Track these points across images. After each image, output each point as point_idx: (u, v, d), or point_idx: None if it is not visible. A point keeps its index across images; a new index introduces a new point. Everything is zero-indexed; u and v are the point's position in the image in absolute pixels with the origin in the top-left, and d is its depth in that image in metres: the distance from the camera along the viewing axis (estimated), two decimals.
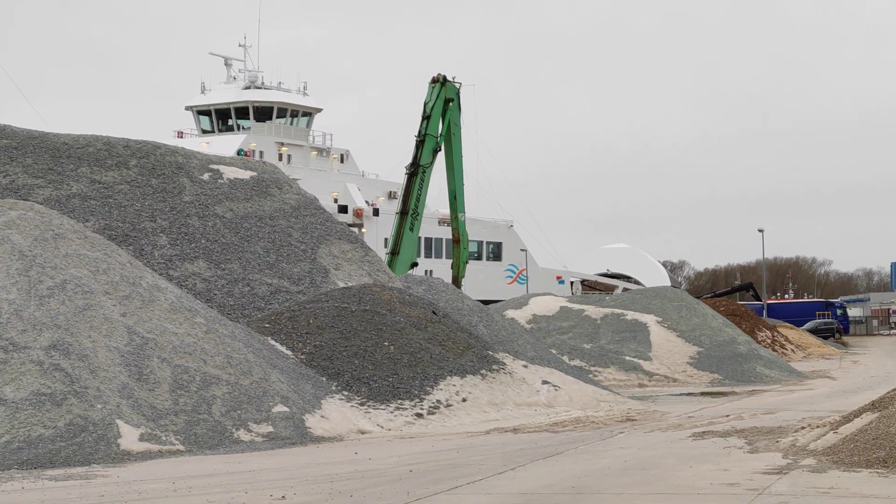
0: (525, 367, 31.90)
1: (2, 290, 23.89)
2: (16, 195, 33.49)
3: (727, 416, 27.99)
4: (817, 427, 20.81)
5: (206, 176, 38.12)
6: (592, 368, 44.70)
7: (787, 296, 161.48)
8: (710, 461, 18.09)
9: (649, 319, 51.38)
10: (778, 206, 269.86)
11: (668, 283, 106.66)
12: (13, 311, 23.28)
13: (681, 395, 39.61)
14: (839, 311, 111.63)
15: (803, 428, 21.63)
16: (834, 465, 16.88)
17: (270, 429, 23.30)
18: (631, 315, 52.08)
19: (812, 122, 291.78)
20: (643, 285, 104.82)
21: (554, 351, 42.55)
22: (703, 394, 40.11)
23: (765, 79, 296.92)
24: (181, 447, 21.46)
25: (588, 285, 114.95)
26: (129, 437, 21.08)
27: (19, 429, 20.50)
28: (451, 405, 27.40)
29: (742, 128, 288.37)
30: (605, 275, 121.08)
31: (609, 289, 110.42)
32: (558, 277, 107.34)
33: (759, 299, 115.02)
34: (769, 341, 67.00)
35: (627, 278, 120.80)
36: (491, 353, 31.18)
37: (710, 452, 19.45)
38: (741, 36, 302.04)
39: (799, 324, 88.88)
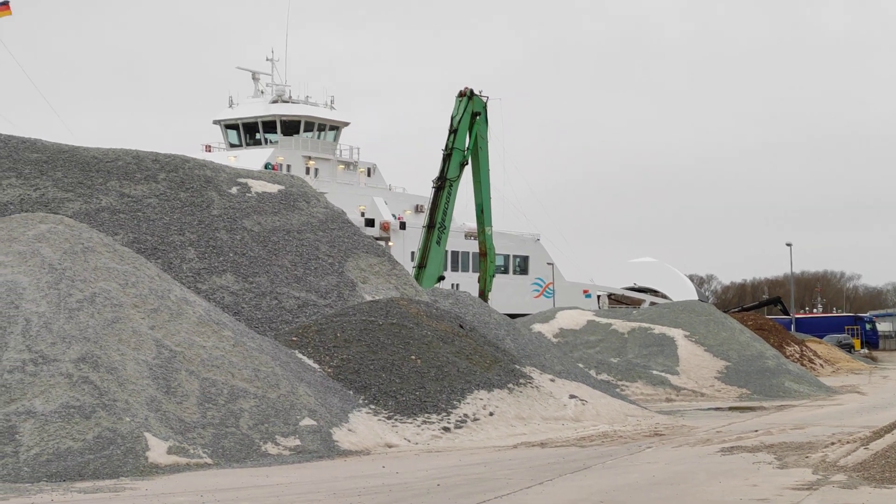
0: (552, 381, 31.82)
1: (32, 302, 24.01)
2: (46, 209, 33.66)
3: (756, 431, 27.83)
4: (847, 443, 20.72)
5: (234, 189, 38.22)
6: (620, 383, 44.54)
7: (815, 310, 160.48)
8: (739, 476, 17.99)
9: (677, 333, 51.18)
10: (806, 219, 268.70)
11: (696, 297, 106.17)
12: (43, 323, 23.38)
13: (709, 409, 39.40)
14: (868, 326, 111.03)
15: (833, 443, 21.53)
16: (865, 481, 16.77)
17: (298, 442, 23.30)
18: (658, 329, 51.87)
19: (840, 136, 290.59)
20: (670, 299, 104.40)
21: (581, 365, 42.39)
22: (731, 408, 39.89)
23: (794, 91, 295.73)
24: (209, 460, 21.49)
25: (615, 299, 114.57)
26: (158, 450, 21.10)
27: (48, 441, 20.58)
28: (478, 419, 27.34)
29: (770, 140, 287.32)
30: (632, 289, 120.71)
31: (636, 303, 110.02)
32: (585, 291, 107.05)
33: (787, 314, 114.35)
34: (798, 356, 66.61)
35: (654, 292, 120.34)
36: (518, 366, 31.12)
37: (740, 468, 19.34)
38: (772, 48, 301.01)
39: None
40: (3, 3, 60.59)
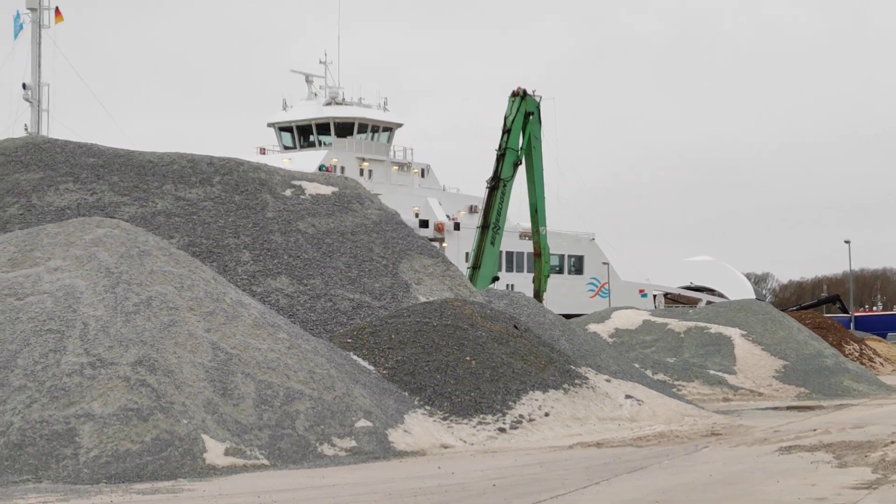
0: (608, 381, 31.71)
1: (89, 306, 24.27)
2: (102, 213, 34.00)
3: (814, 430, 27.58)
4: None
5: (288, 192, 38.40)
6: (676, 382, 44.28)
7: (874, 308, 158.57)
8: (797, 476, 17.84)
9: (734, 333, 50.78)
10: (865, 216, 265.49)
11: (753, 296, 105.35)
12: (100, 327, 23.62)
13: (766, 409, 39.11)
14: None
15: (893, 442, 21.31)
16: None
17: (353, 443, 23.38)
18: (715, 328, 51.50)
19: None
20: (727, 298, 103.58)
21: (637, 365, 42.20)
22: (789, 408, 39.57)
23: (852, 86, 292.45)
24: (265, 461, 21.61)
25: (671, 298, 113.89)
26: (215, 452, 21.25)
27: (107, 443, 20.79)
28: (533, 420, 27.30)
29: (826, 137, 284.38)
30: (689, 288, 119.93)
31: (692, 302, 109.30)
32: (641, 291, 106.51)
33: (846, 312, 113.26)
34: (857, 354, 65.82)
35: (711, 291, 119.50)
36: (573, 367, 31.03)
37: (798, 467, 19.19)
38: (829, 44, 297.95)
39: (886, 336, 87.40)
40: (56, 8, 61.40)
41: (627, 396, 30.83)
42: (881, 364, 67.55)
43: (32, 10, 60.36)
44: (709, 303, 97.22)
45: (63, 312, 24.00)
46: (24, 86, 61.01)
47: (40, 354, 22.87)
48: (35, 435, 20.86)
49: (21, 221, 33.45)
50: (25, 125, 60.64)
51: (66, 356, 22.72)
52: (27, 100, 61.02)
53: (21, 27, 60.47)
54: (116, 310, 24.28)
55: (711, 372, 46.90)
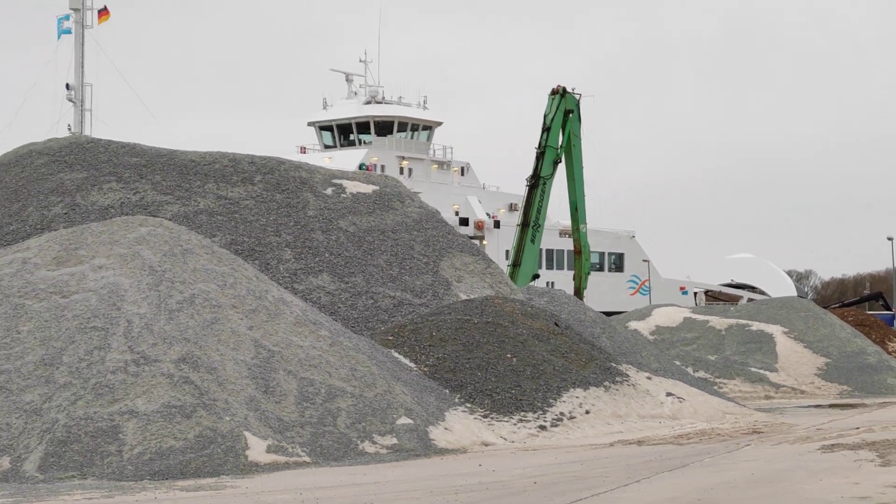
0: (649, 378, 31.62)
1: (133, 304, 24.44)
2: (145, 212, 34.22)
3: (857, 428, 27.37)
4: None
5: (329, 190, 38.50)
6: (717, 380, 44.13)
7: None
8: (840, 474, 17.71)
9: (775, 330, 50.51)
10: None
11: (794, 293, 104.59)
12: (144, 325, 23.78)
13: (808, 407, 38.87)
14: None
15: None
16: None
17: (395, 441, 23.41)
18: (756, 326, 51.25)
19: None
20: (768, 295, 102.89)
21: (678, 362, 42.05)
22: (831, 406, 39.30)
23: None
24: (307, 459, 21.68)
25: (712, 296, 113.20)
26: (257, 449, 21.35)
27: (151, 440, 20.92)
28: (574, 417, 27.26)
29: (870, 134, 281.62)
30: (730, 285, 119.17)
31: (734, 299, 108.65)
32: (682, 288, 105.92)
33: (889, 309, 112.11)
34: None
35: (752, 288, 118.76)
36: (614, 364, 30.95)
37: (840, 465, 19.04)
38: (879, 41, 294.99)
39: None
40: (102, 9, 61.80)
41: (668, 394, 30.74)
42: None
43: (76, 10, 60.82)
44: (750, 300, 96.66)
45: (107, 310, 24.19)
46: (67, 86, 61.48)
47: (85, 352, 23.07)
48: (80, 432, 21.04)
49: (65, 220, 33.72)
50: (69, 125, 61.12)
51: (110, 353, 22.89)
52: (70, 100, 61.50)
53: (66, 31, 60.89)
54: (160, 307, 24.44)
55: (753, 369, 46.69)
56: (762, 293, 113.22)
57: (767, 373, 46.52)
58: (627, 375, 30.48)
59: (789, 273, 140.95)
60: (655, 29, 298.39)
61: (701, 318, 53.38)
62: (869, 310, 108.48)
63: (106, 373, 22.38)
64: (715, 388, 39.12)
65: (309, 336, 25.65)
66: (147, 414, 21.45)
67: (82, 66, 61.13)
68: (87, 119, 61.25)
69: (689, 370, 42.02)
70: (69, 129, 60.25)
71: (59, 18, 61.03)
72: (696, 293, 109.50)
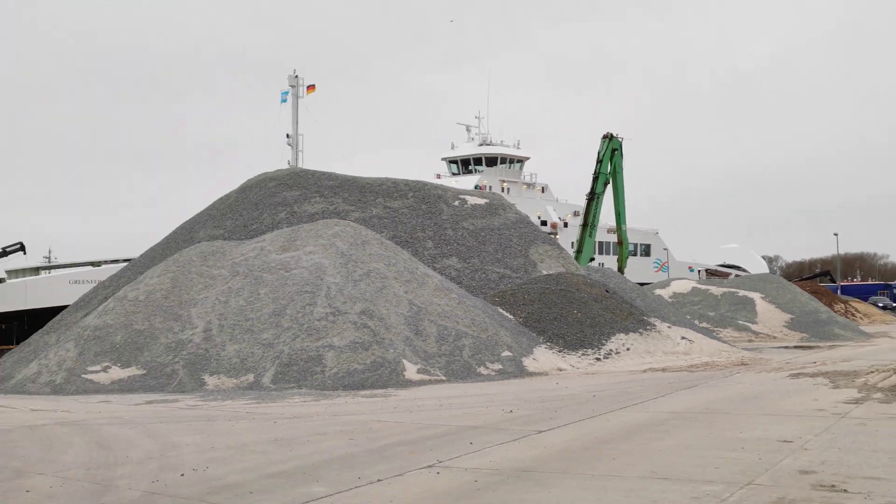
0: (669, 327, 30.98)
1: (331, 276, 24.80)
2: (338, 217, 34.69)
3: (814, 362, 26.54)
4: (883, 371, 19.55)
5: (456, 203, 38.56)
6: (715, 329, 43.16)
7: (855, 279, 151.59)
8: (804, 394, 17.22)
9: (755, 296, 49.19)
10: (848, 214, 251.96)
11: (767, 271, 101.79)
12: (338, 289, 24.13)
13: (779, 347, 37.73)
14: (895, 291, 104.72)
15: (872, 372, 20.37)
16: None
17: (500, 367, 23.41)
18: (742, 293, 49.96)
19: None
20: (749, 272, 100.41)
21: (688, 316, 41.22)
22: (795, 347, 38.10)
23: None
24: (444, 378, 21.80)
25: (710, 272, 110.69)
26: (411, 371, 21.54)
27: (342, 365, 21.24)
28: (619, 353, 26.91)
29: (826, 153, 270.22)
30: (723, 265, 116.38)
31: (725, 275, 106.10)
32: (689, 267, 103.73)
33: (834, 282, 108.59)
34: (843, 311, 63.05)
35: (738, 268, 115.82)
36: (645, 318, 30.44)
37: (803, 388, 18.51)
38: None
39: (865, 300, 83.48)
40: (310, 85, 62.68)
41: (682, 338, 30.09)
42: (860, 318, 64.61)
43: (292, 87, 61.73)
44: (737, 276, 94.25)
45: (314, 280, 24.60)
46: (287, 136, 62.39)
47: (300, 307, 23.49)
48: (297, 358, 21.44)
49: (287, 222, 34.36)
50: (288, 161, 62.01)
51: (316, 308, 23.28)
52: (289, 144, 62.36)
53: (285, 100, 61.91)
54: (347, 278, 24.76)
55: (740, 322, 45.55)
56: (745, 271, 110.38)
57: (750, 324, 45.34)
58: (654, 325, 29.94)
59: (763, 257, 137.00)
60: (671, 90, 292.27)
61: (703, 287, 52.26)
62: (820, 282, 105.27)
63: (313, 320, 22.77)
64: (714, 334, 38.23)
65: (444, 297, 25.77)
66: (340, 347, 21.78)
67: (297, 122, 61.98)
68: (300, 157, 62.07)
69: (696, 322, 41.13)
70: (288, 164, 61.21)
71: (282, 92, 62.03)
72: (699, 271, 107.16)
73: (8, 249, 48.26)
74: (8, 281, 52.91)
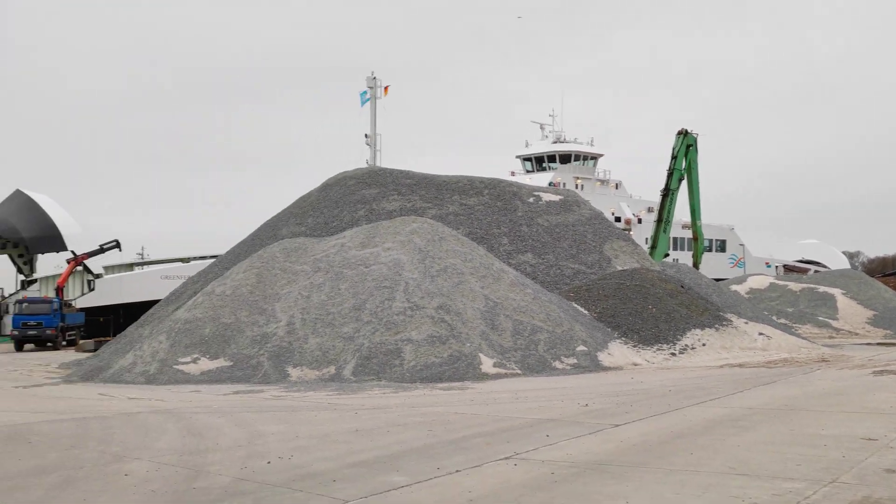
0: (746, 323, 30.30)
1: (409, 272, 24.97)
2: (415, 213, 34.89)
3: None
4: None
5: (531, 199, 38.41)
6: (794, 325, 42.00)
7: None
8: (887, 390, 16.66)
9: (836, 292, 47.76)
10: None
11: (848, 267, 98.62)
12: (416, 284, 24.28)
13: (861, 344, 36.55)
14: None
15: None
16: None
17: (575, 361, 23.25)
18: (822, 289, 48.56)
19: None
20: (829, 268, 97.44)
21: (766, 312, 40.22)
22: (878, 344, 36.84)
23: None
24: (519, 371, 21.76)
25: (788, 268, 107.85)
26: (487, 365, 21.56)
27: (420, 358, 21.38)
28: (694, 348, 26.45)
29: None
30: (801, 261, 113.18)
31: (804, 271, 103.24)
32: (766, 263, 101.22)
33: None
34: None
35: (817, 263, 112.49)
36: (721, 313, 29.84)
37: (887, 384, 17.91)
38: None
39: None
40: (386, 86, 63.30)
41: (760, 333, 29.39)
42: None
43: (370, 87, 62.42)
44: (815, 271, 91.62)
45: (393, 275, 24.80)
46: (365, 135, 63.07)
47: (380, 301, 23.72)
48: (377, 352, 21.67)
49: (366, 219, 34.73)
50: (367, 160, 62.64)
51: (395, 303, 23.47)
52: (368, 144, 63.03)
53: (366, 101, 62.61)
54: (425, 274, 24.89)
55: (820, 318, 44.26)
56: (824, 266, 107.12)
57: (830, 321, 44.02)
58: (731, 321, 29.33)
59: (844, 253, 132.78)
60: (739, 89, 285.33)
61: (781, 283, 51.00)
62: None
63: (392, 314, 22.96)
64: (792, 330, 37.21)
65: (519, 292, 25.71)
66: (418, 341, 21.91)
67: (375, 123, 62.61)
68: (378, 156, 62.69)
69: (774, 318, 40.12)
70: (367, 163, 61.85)
71: (361, 93, 62.75)
72: (777, 266, 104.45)
73: (105, 247, 50.23)
74: (105, 276, 54.91)
